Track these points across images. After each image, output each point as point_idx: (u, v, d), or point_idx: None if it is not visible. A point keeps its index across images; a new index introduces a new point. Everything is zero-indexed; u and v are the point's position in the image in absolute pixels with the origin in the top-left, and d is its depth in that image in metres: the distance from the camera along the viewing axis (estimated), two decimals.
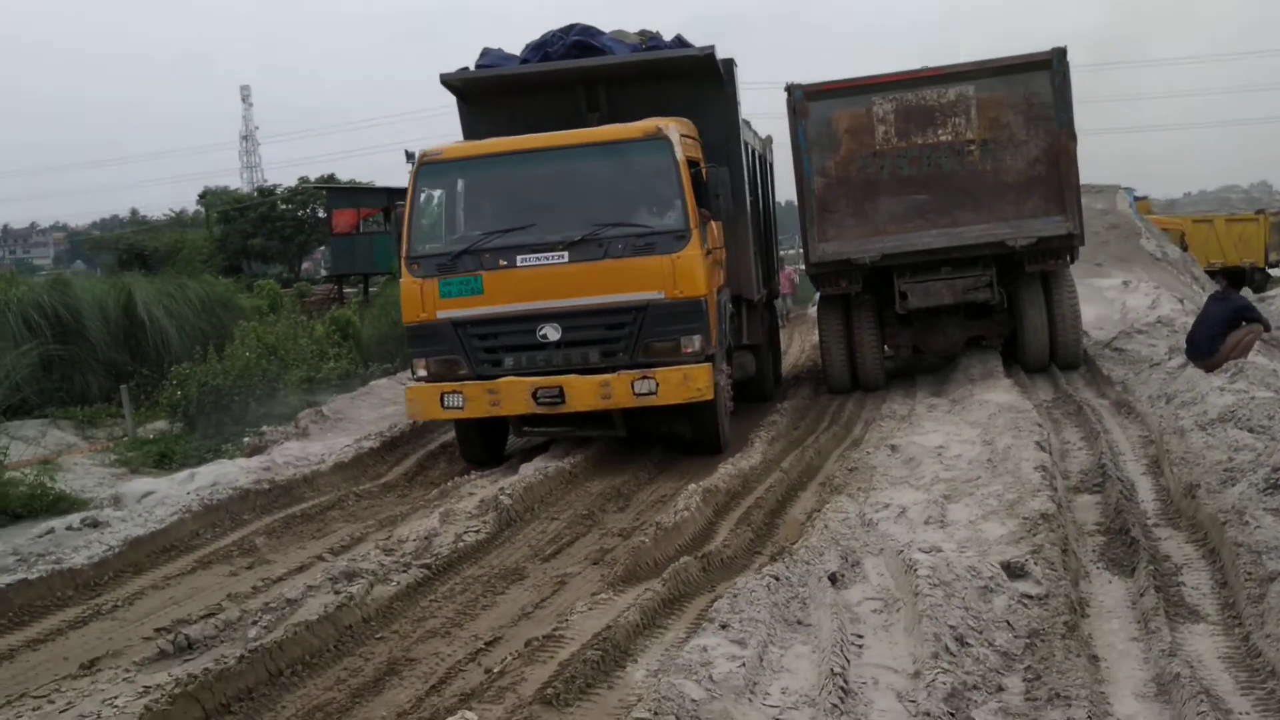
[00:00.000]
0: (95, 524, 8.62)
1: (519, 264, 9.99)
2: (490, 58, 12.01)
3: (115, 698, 5.02)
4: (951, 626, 5.17)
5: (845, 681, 4.78)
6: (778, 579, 5.91)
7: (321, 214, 36.00)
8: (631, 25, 12.38)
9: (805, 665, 5.01)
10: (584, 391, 9.82)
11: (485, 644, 5.81)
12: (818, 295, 14.56)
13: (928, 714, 4.48)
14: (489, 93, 12.07)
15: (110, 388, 16.75)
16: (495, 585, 6.87)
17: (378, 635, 6.02)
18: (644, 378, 9.73)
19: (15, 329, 16.95)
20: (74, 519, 8.80)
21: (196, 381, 14.55)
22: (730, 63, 11.88)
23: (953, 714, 4.52)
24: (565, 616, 5.94)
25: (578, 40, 11.69)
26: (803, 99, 12.80)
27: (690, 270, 9.88)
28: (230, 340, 16.93)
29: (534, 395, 9.89)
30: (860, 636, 5.38)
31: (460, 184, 10.83)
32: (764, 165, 15.21)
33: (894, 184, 12.81)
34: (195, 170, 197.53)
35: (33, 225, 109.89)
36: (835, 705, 4.56)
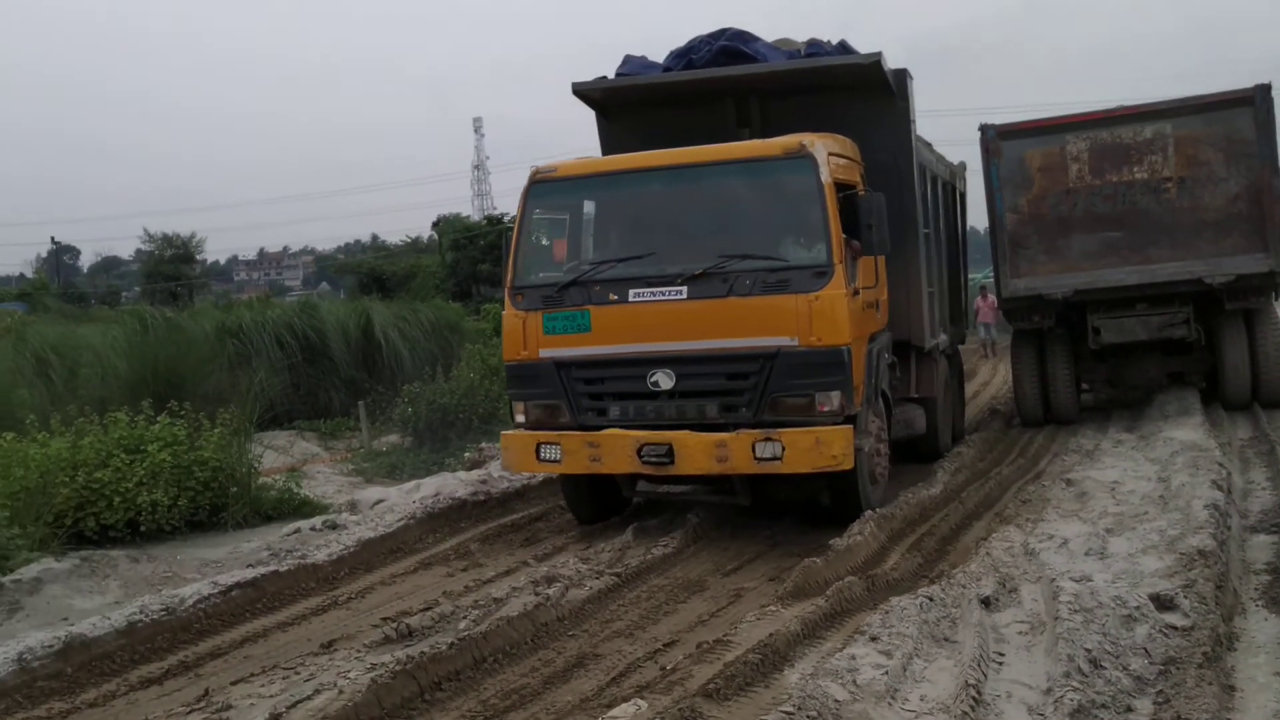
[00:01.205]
0: (334, 526, 9.82)
1: (631, 299, 8.73)
2: (631, 66, 10.75)
3: (348, 672, 5.95)
4: (1087, 649, 5.52)
5: (979, 693, 5.24)
6: (931, 599, 6.41)
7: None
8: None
9: (946, 677, 5.48)
10: (696, 452, 8.42)
11: (663, 645, 6.48)
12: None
13: None
14: (629, 105, 10.89)
15: (349, 403, 18.32)
16: (677, 595, 7.56)
17: (570, 633, 6.78)
18: (767, 439, 8.28)
19: (269, 349, 18.79)
20: (316, 521, 10.05)
21: (425, 400, 15.84)
22: (903, 74, 10.43)
23: None
24: (735, 624, 6.57)
25: (725, 46, 10.37)
26: (995, 138, 13.11)
27: (830, 313, 8.37)
28: (457, 361, 18.28)
29: (639, 452, 8.59)
30: (1002, 655, 5.81)
31: (574, 206, 9.75)
32: (952, 194, 13.66)
33: (1087, 221, 12.97)
34: (432, 199, 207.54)
35: (285, 249, 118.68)
36: (966, 713, 5.03)
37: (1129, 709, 5.13)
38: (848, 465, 8.35)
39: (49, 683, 6.31)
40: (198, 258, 59.86)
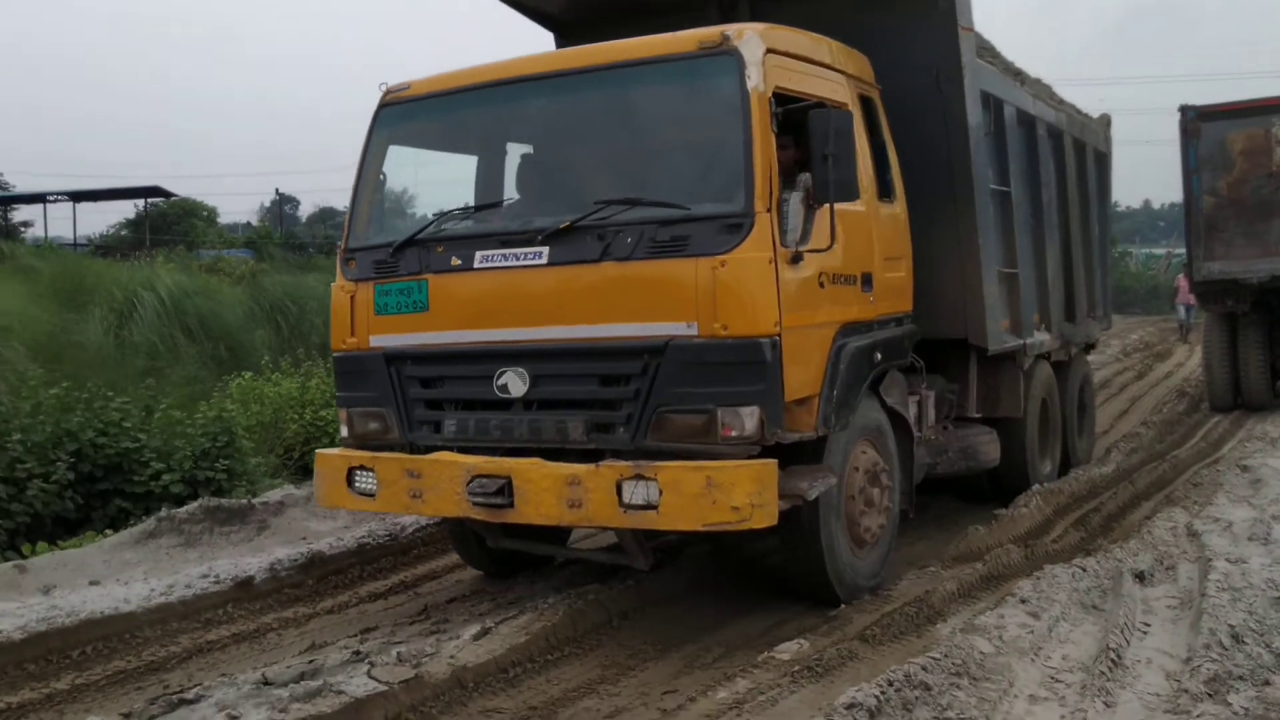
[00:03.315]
0: None
1: (477, 265, 6.24)
2: None
3: (548, 598, 6.75)
4: (1231, 625, 5.78)
5: (1119, 656, 5.62)
6: (1084, 569, 6.79)
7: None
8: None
9: (1089, 641, 5.86)
10: (542, 490, 5.88)
11: None
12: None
13: (1186, 691, 5.21)
14: (588, 20, 8.27)
15: None
16: None
17: (746, 579, 7.42)
18: (637, 477, 5.65)
19: None
20: None
21: None
22: None
23: (1210, 694, 5.20)
24: (896, 582, 7.12)
25: None
26: (1195, 119, 13.00)
27: (742, 286, 5.71)
28: None
29: (469, 486, 6.09)
30: (1148, 625, 6.12)
31: (441, 137, 7.30)
32: (1081, 153, 10.81)
33: None
34: None
35: None
36: (1104, 673, 5.42)
37: (1266, 683, 5.33)
38: (761, 522, 5.65)
39: (294, 590, 7.38)
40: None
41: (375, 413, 6.62)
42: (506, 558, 7.41)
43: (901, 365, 7.24)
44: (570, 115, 6.68)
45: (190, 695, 5.43)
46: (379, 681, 5.30)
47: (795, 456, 6.11)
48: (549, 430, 6.10)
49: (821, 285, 6.23)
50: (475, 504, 6.06)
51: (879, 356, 6.78)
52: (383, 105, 6.93)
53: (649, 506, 5.64)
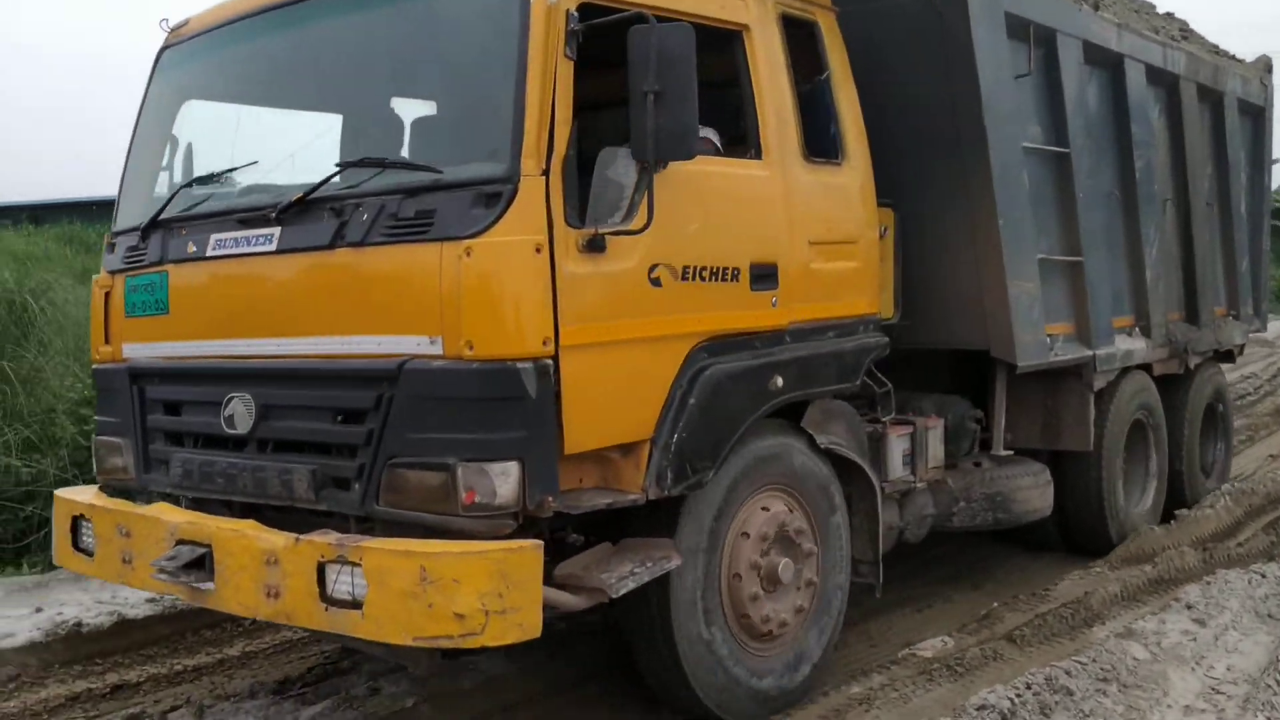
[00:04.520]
0: None
1: (211, 251, 4.73)
2: None
3: None
4: None
5: None
6: (1263, 576, 6.40)
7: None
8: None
9: (1259, 651, 5.51)
10: (240, 568, 4.24)
11: (985, 595, 6.83)
12: None
13: None
14: None
15: None
16: (1016, 554, 7.73)
17: (901, 576, 7.19)
18: (340, 561, 3.93)
19: None
20: None
21: None
22: None
23: None
24: (1055, 582, 6.85)
25: None
26: None
27: (497, 283, 4.00)
28: None
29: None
30: None
31: (211, 84, 5.50)
32: (1214, 106, 8.53)
33: None
34: None
35: None
36: (1271, 686, 5.11)
37: None
38: (504, 636, 3.87)
39: None
40: None
41: (116, 444, 5.17)
42: None
43: (846, 391, 5.44)
44: (324, 49, 4.96)
45: (344, 665, 5.76)
46: (514, 663, 5.47)
47: (648, 520, 4.56)
48: (274, 482, 4.41)
49: (656, 282, 4.43)
50: (171, 577, 4.39)
51: (781, 382, 4.93)
52: (164, 46, 5.47)
53: (353, 604, 3.90)
